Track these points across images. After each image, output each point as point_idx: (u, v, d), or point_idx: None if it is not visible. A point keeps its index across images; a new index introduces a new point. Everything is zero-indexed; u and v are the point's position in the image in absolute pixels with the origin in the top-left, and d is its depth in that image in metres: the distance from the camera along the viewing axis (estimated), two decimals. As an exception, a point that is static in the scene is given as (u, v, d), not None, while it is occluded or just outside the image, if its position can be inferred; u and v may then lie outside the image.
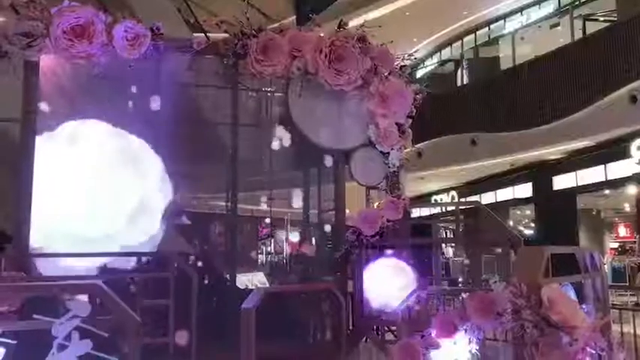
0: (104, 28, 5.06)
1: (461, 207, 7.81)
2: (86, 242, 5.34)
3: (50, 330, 2.61)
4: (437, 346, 2.98)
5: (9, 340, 2.60)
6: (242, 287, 7.22)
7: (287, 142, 7.32)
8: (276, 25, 6.55)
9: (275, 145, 7.38)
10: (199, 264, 6.65)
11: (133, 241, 5.66)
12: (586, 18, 16.62)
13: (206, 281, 6.23)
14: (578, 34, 16.22)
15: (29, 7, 4.83)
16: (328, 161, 6.32)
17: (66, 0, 5.01)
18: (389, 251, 6.28)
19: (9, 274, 4.63)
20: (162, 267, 5.33)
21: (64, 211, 5.32)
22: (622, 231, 20.28)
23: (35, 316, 2.76)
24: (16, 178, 5.11)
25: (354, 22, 6.31)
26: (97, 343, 2.65)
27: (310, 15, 6.12)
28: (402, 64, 6.35)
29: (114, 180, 5.59)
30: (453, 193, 20.83)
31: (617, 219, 20.28)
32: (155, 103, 6.51)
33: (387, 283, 6.10)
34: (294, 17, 18.17)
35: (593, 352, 2.65)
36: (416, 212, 18.19)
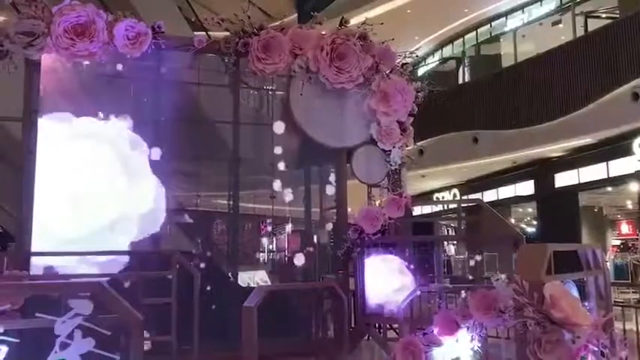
0: (105, 27, 5.06)
1: (463, 204, 7.79)
2: (68, 243, 5.31)
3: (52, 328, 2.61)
4: (439, 344, 2.98)
5: (12, 339, 2.61)
6: (244, 285, 7.23)
7: (289, 141, 7.31)
8: (277, 23, 6.54)
9: (277, 143, 7.38)
10: (201, 262, 6.65)
11: (114, 245, 5.63)
12: (588, 15, 16.58)
13: (208, 279, 6.22)
14: (580, 32, 16.18)
15: (30, 6, 4.84)
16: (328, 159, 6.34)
17: (67, -1, 5.01)
18: (383, 250, 6.27)
19: (12, 273, 4.64)
20: (165, 265, 5.33)
21: (50, 210, 5.28)
22: (624, 228, 20.23)
23: (38, 314, 2.77)
24: (18, 178, 5.13)
25: (355, 20, 6.31)
26: (99, 341, 2.66)
27: (312, 13, 6.12)
28: (404, 61, 6.34)
29: (102, 182, 5.56)
30: (455, 190, 20.81)
31: (619, 216, 20.23)
32: (156, 105, 6.51)
33: (383, 282, 6.10)
34: (296, 15, 18.16)
35: (596, 349, 2.64)
36: (417, 210, 18.17)
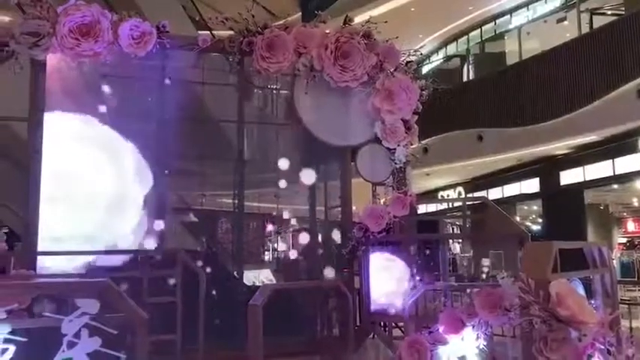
0: (110, 27, 5.07)
1: (468, 202, 7.78)
2: (70, 241, 5.34)
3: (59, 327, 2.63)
4: (444, 342, 2.98)
5: (20, 338, 2.62)
6: (249, 283, 7.24)
7: (293, 139, 7.33)
8: (281, 22, 6.55)
9: (281, 142, 7.40)
10: (206, 261, 6.67)
11: (115, 235, 5.67)
12: (593, 12, 16.49)
13: (213, 278, 6.24)
14: (586, 29, 16.10)
15: (35, 6, 4.85)
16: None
17: (72, -2, 5.02)
18: (388, 248, 6.27)
19: (18, 272, 4.66)
20: (170, 264, 5.35)
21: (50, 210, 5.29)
22: (630, 226, 20.15)
23: (45, 313, 2.79)
24: (24, 178, 5.15)
25: (359, 19, 6.30)
26: (105, 339, 2.67)
27: (316, 12, 6.11)
28: (408, 60, 6.33)
29: (90, 175, 5.59)
30: (460, 188, 20.77)
31: (625, 214, 20.14)
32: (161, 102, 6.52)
33: (387, 280, 6.11)
34: (300, 14, 18.17)
35: (602, 347, 2.64)
36: (422, 208, 18.14)
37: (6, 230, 8.37)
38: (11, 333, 2.60)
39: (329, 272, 6.32)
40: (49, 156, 5.21)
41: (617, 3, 16.10)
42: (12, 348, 2.59)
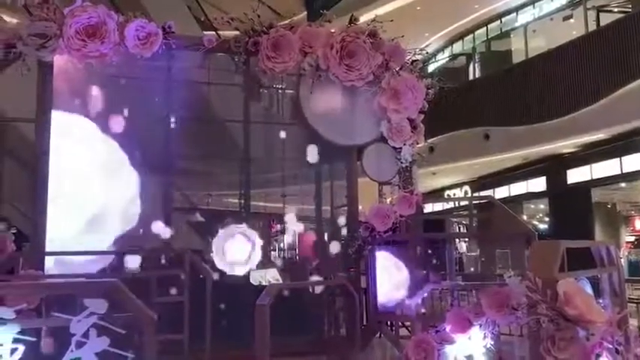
0: (116, 28, 5.09)
1: (474, 202, 7.76)
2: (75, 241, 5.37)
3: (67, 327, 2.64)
4: (451, 342, 2.98)
5: (29, 337, 2.64)
6: (255, 283, 7.25)
7: (298, 139, 7.33)
8: (286, 21, 6.55)
9: (287, 141, 7.41)
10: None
11: (120, 236, 5.69)
12: (600, 9, 16.40)
13: (219, 277, 6.26)
14: (592, 26, 16.02)
15: (42, 7, 4.88)
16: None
17: (78, 0, 5.04)
18: (393, 248, 6.28)
19: (27, 273, 4.69)
20: (177, 264, 5.37)
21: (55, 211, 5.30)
22: (638, 224, 20.00)
23: (54, 313, 2.80)
24: (32, 179, 5.18)
25: (365, 18, 6.30)
26: (113, 339, 2.69)
27: (321, 11, 6.12)
28: (414, 58, 6.32)
29: (95, 175, 5.61)
30: (466, 187, 20.71)
31: (633, 212, 20.00)
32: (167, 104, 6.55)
33: (391, 278, 6.12)
34: (305, 14, 18.16)
35: (610, 346, 2.63)
36: (429, 207, 18.09)
37: (14, 231, 8.42)
38: (20, 333, 2.62)
39: (334, 247, 6.30)
40: (54, 156, 5.24)
41: (624, 0, 15.99)
42: (21, 348, 2.60)
